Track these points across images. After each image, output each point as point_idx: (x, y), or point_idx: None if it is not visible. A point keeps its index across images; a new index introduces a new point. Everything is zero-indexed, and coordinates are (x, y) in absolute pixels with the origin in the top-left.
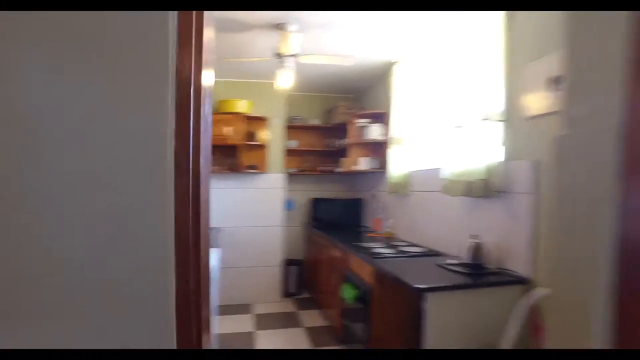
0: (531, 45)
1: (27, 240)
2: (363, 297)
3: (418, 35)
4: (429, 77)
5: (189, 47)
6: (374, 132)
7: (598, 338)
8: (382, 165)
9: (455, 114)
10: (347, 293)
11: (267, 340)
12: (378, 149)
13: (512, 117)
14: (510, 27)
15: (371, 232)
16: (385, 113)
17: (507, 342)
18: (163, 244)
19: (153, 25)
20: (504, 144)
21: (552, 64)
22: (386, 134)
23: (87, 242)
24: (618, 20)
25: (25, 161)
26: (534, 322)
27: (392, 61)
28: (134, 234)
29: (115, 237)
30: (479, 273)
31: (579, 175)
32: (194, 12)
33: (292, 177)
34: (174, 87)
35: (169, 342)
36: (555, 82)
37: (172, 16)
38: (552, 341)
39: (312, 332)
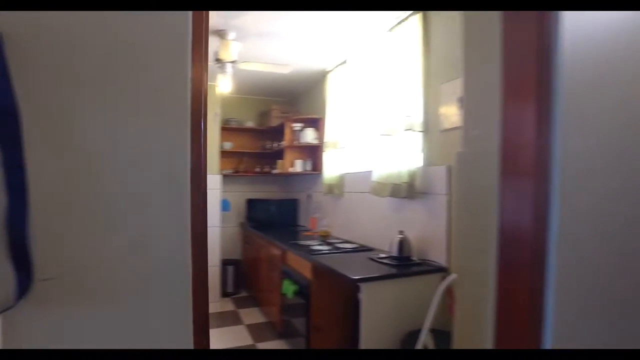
0: (445, 68)
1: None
2: (302, 292)
3: (350, 47)
4: (359, 87)
5: (200, 53)
6: (309, 136)
7: (490, 303)
8: (317, 168)
9: (382, 122)
10: (287, 289)
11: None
12: (313, 152)
13: (429, 128)
14: (427, 51)
15: (307, 230)
16: (320, 118)
17: (428, 320)
18: (181, 246)
19: (174, 38)
20: (422, 151)
21: (460, 86)
22: (321, 138)
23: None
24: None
25: (82, 184)
26: (449, 301)
27: (327, 70)
28: (161, 237)
29: (146, 242)
30: (405, 264)
31: (474, 181)
32: (204, 16)
33: (227, 178)
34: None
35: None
36: (460, 102)
37: (188, 26)
38: (459, 310)
39: (253, 328)
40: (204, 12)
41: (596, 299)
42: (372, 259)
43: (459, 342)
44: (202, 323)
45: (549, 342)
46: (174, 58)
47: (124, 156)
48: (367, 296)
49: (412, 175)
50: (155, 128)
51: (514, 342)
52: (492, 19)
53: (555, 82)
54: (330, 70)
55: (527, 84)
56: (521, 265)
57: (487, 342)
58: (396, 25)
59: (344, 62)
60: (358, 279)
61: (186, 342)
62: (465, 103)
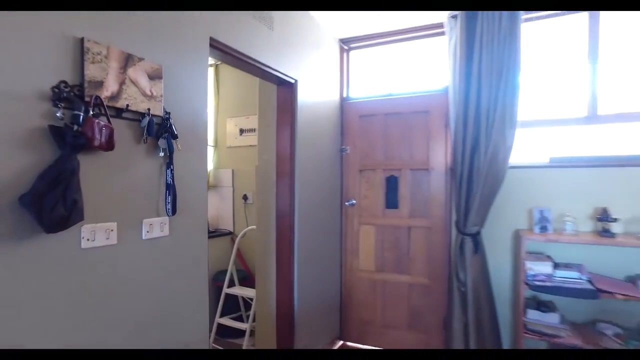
0: (230, 107)
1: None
2: None
3: None
4: None
5: None
6: None
7: (272, 244)
8: None
9: None
10: None
11: None
12: None
13: (219, 145)
14: (217, 93)
15: None
16: None
17: (231, 262)
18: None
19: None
20: (214, 159)
21: (240, 120)
22: None
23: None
24: (274, 106)
25: None
26: (238, 254)
27: None
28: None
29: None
30: (210, 231)
31: (264, 180)
32: None
33: None
34: None
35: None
36: (239, 131)
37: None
38: (259, 248)
39: None
40: None
41: (311, 242)
42: None
43: (259, 268)
44: None
45: (297, 262)
46: None
47: None
48: None
49: (210, 174)
50: None
51: (283, 256)
52: (271, 87)
53: (295, 121)
54: None
55: (286, 121)
56: (285, 224)
57: (271, 264)
58: None
59: None
60: None
61: None
62: (259, 137)
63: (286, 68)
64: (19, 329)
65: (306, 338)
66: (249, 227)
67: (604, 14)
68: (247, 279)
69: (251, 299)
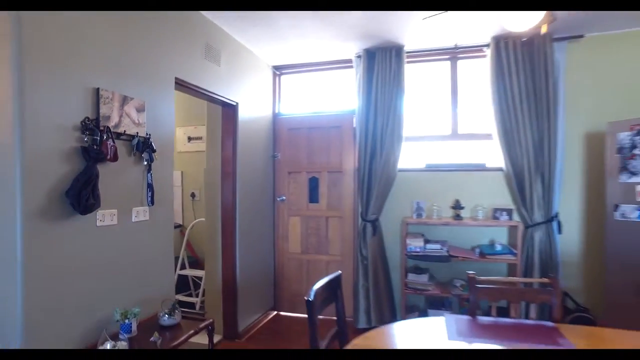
0: (182, 117)
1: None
2: None
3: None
4: None
5: None
6: None
7: (215, 228)
8: None
9: None
10: None
11: None
12: None
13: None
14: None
15: None
16: None
17: (182, 252)
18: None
19: None
20: None
21: (188, 129)
22: None
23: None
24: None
25: None
26: (188, 242)
27: None
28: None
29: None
30: None
31: (211, 179)
32: None
33: None
34: None
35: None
36: (188, 139)
37: None
38: (208, 237)
39: None
40: None
41: (250, 230)
42: None
43: (207, 252)
44: None
45: (238, 247)
46: None
47: None
48: None
49: None
50: None
51: (227, 242)
52: (218, 106)
53: (236, 133)
54: None
55: (229, 133)
56: (229, 216)
57: (218, 249)
58: None
59: None
60: None
61: None
62: (207, 145)
63: (229, 94)
64: (67, 267)
65: (247, 308)
66: (198, 220)
67: (460, 62)
68: (195, 263)
69: (199, 279)
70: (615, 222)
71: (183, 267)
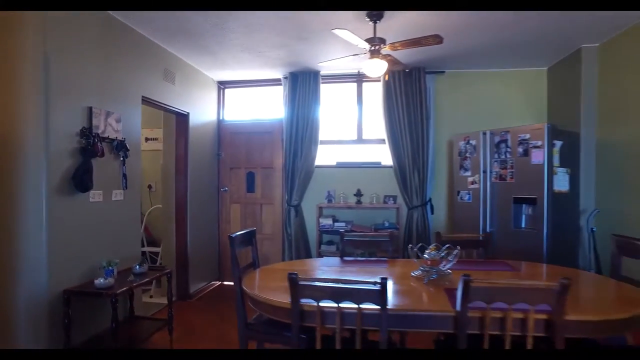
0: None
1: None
2: None
3: None
4: None
5: None
6: None
7: (173, 224)
8: None
9: None
10: None
11: None
12: None
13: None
14: None
15: None
16: None
17: (140, 233)
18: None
19: None
20: None
21: (145, 131)
22: None
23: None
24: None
25: None
26: (145, 226)
27: None
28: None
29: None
30: None
31: (168, 173)
32: None
33: None
34: None
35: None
36: (145, 139)
37: None
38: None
39: None
40: None
41: (199, 215)
42: None
43: (164, 233)
44: None
45: (189, 228)
46: None
47: None
48: None
49: None
50: None
51: (180, 224)
52: (173, 115)
53: (188, 136)
54: None
55: (182, 136)
56: (182, 203)
57: (172, 230)
58: None
59: None
60: None
61: None
62: (164, 145)
63: (182, 105)
64: (72, 227)
65: (196, 277)
66: (154, 206)
67: (365, 84)
68: (151, 242)
69: (156, 255)
70: (458, 203)
71: (142, 245)
